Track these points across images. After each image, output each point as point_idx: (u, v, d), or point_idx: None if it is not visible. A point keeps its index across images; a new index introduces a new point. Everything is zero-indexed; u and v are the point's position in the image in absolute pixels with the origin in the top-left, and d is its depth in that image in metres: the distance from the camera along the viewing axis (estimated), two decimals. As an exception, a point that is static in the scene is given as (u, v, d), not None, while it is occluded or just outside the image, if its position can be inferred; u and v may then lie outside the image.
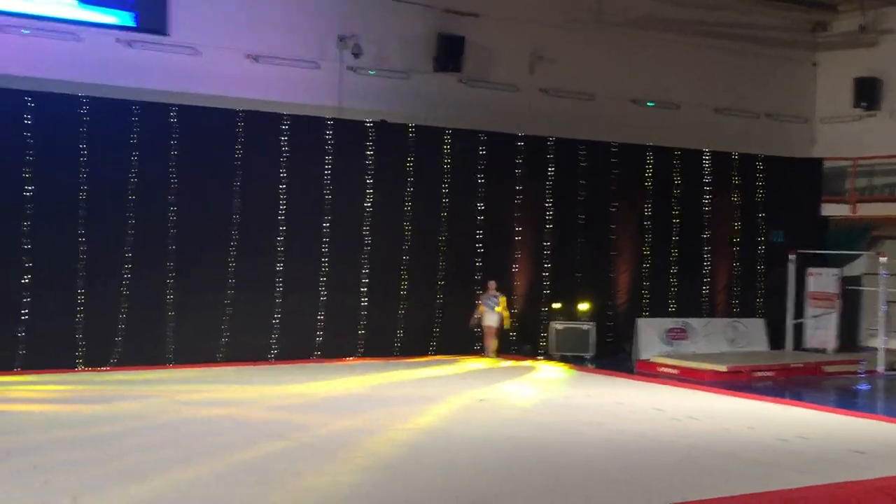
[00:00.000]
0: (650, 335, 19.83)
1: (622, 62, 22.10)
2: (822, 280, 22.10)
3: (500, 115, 20.63)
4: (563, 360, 19.71)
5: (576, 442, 11.61)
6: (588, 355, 20.21)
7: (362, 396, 14.71)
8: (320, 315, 18.69)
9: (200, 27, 18.12)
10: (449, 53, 19.98)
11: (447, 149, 19.96)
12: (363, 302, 19.12)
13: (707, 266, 22.41)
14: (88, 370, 16.51)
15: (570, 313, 20.72)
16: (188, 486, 9.10)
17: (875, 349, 19.72)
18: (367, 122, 19.20)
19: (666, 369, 18.34)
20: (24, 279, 16.30)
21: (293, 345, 18.38)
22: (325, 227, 18.78)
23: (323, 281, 18.73)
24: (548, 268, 20.95)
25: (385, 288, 19.24)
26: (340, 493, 8.89)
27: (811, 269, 22.22)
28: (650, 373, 18.31)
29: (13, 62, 16.56)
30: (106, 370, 16.57)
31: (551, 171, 20.96)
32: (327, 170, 18.83)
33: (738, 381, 17.27)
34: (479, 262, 20.24)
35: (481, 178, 20.30)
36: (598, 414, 13.63)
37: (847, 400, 16.13)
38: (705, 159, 22.40)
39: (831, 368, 19.07)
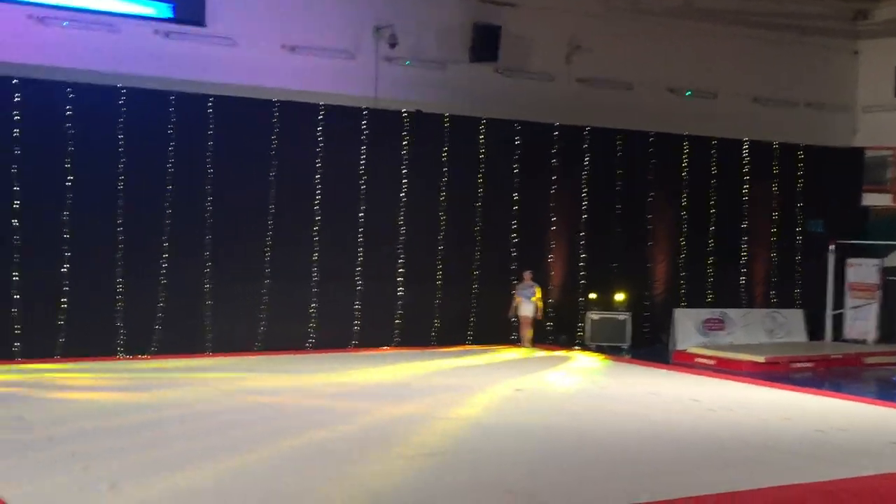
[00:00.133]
0: (687, 326, 19.73)
1: (659, 51, 21.90)
2: (863, 270, 21.84)
3: (536, 105, 20.53)
4: (600, 350, 19.65)
5: (612, 432, 11.58)
6: (624, 346, 20.13)
7: (402, 385, 14.75)
8: (356, 304, 18.77)
9: (237, 18, 18.18)
10: (485, 43, 19.87)
11: (482, 139, 19.93)
12: (399, 291, 19.16)
13: (745, 256, 22.23)
14: (128, 358, 16.69)
15: (606, 303, 20.64)
16: (232, 475, 9.08)
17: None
18: (402, 113, 19.22)
19: (703, 360, 18.23)
20: (64, 268, 16.50)
21: (329, 334, 18.47)
22: (361, 217, 18.84)
23: (359, 270, 18.80)
24: (584, 258, 20.88)
25: (421, 277, 19.27)
26: (388, 484, 8.81)
27: (851, 260, 21.96)
28: (687, 363, 18.21)
29: (54, 54, 16.72)
30: (145, 358, 16.75)
31: (587, 161, 20.87)
32: (362, 160, 18.88)
33: (776, 373, 17.13)
34: (514, 252, 20.22)
35: (517, 169, 20.26)
36: (634, 404, 13.59)
37: (887, 391, 15.95)
38: (744, 149, 22.20)
39: (871, 360, 18.89)
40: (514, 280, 19.86)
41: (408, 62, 19.56)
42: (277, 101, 18.09)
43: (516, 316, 19.64)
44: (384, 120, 19.00)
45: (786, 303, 22.02)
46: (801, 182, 22.61)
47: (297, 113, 18.23)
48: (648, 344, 20.68)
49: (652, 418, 12.48)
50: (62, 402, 12.60)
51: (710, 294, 21.64)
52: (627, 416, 12.64)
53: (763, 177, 22.33)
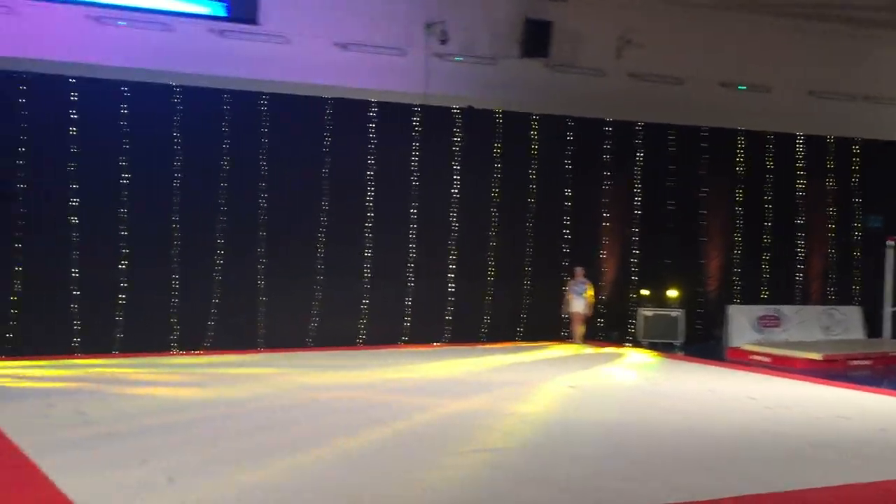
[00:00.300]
0: (741, 322, 19.49)
1: (712, 45, 21.67)
2: (922, 266, 21.42)
3: (588, 100, 20.43)
4: (652, 347, 19.51)
5: (668, 430, 11.47)
6: (677, 342, 19.96)
7: (456, 382, 14.72)
8: (408, 301, 18.81)
9: (290, 16, 18.31)
10: (536, 38, 19.81)
11: (534, 135, 19.89)
12: (450, 288, 19.18)
13: (801, 252, 21.95)
14: (182, 354, 16.89)
15: (659, 300, 20.48)
16: (298, 471, 9.01)
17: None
18: (453, 109, 19.22)
19: (758, 357, 18.01)
20: (122, 265, 16.73)
21: (380, 330, 18.54)
22: (413, 214, 18.88)
23: (410, 267, 18.85)
24: (636, 254, 20.75)
25: (472, 274, 19.28)
26: (453, 485, 8.69)
27: (910, 256, 21.57)
28: (741, 360, 18.01)
29: (110, 53, 16.97)
30: (199, 354, 16.94)
31: (640, 156, 20.74)
32: (414, 156, 18.92)
33: (833, 370, 16.87)
34: (566, 248, 20.14)
35: (568, 164, 20.18)
36: (689, 402, 13.47)
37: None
38: (799, 143, 21.90)
39: (931, 357, 18.51)
40: (565, 276, 19.79)
41: (459, 58, 19.56)
42: (329, 99, 18.19)
43: (568, 312, 19.58)
44: (435, 116, 19.04)
45: (843, 299, 21.70)
46: (857, 177, 22.27)
47: (348, 110, 18.32)
48: (702, 341, 20.50)
49: (708, 416, 12.36)
50: (122, 397, 12.75)
51: (765, 290, 21.40)
52: (683, 413, 12.52)
53: (819, 172, 22.01)
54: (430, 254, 19.00)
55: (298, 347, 17.73)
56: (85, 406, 11.87)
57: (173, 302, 17.08)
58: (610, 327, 20.40)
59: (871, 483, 9.20)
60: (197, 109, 17.25)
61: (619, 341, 19.99)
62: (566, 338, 19.78)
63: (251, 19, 17.97)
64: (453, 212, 19.22)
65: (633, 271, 20.71)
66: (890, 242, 21.18)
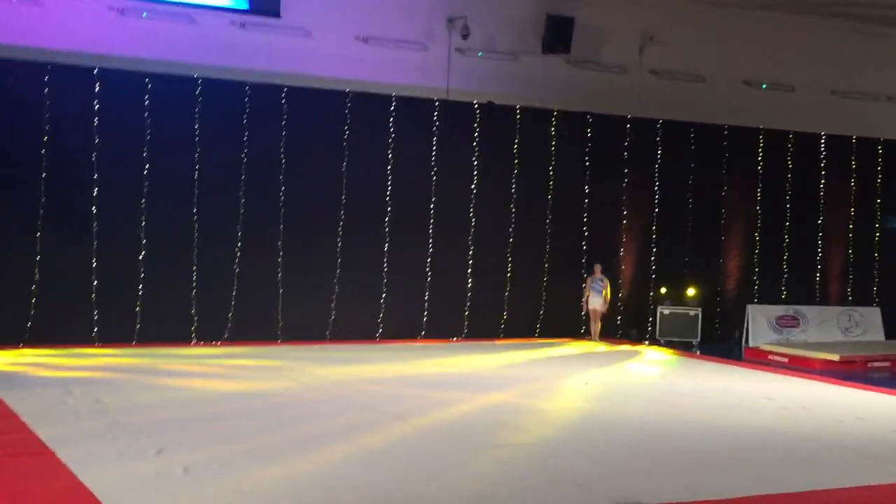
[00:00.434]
0: (760, 322, 19.42)
1: (734, 43, 21.57)
2: (943, 268, 21.31)
3: (609, 97, 20.39)
4: (670, 345, 19.46)
5: (684, 428, 11.43)
6: (695, 341, 19.91)
7: (474, 378, 14.71)
8: (426, 296, 18.84)
9: (311, 9, 18.34)
10: (557, 35, 19.77)
11: (554, 131, 19.85)
12: (469, 283, 19.19)
13: (821, 252, 21.85)
14: (201, 345, 16.98)
15: (677, 298, 20.43)
16: (316, 468, 8.91)
17: None
18: (474, 104, 19.22)
19: (776, 357, 17.95)
20: (141, 255, 16.82)
21: (399, 325, 18.57)
22: (432, 209, 18.89)
23: (429, 262, 18.87)
24: (655, 252, 20.70)
25: (490, 270, 19.28)
26: (473, 482, 8.64)
27: (931, 257, 21.47)
28: (760, 360, 17.95)
29: (133, 45, 17.05)
30: (217, 345, 17.02)
31: (660, 154, 20.68)
32: (434, 151, 18.93)
33: (851, 371, 16.80)
34: (585, 245, 20.12)
35: (588, 161, 20.14)
36: (707, 400, 13.44)
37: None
38: (821, 143, 21.79)
39: (951, 360, 18.38)
40: (584, 273, 19.76)
41: (480, 54, 19.54)
42: (350, 92, 18.22)
43: (587, 310, 19.58)
44: (456, 111, 19.03)
45: (863, 300, 21.60)
46: (881, 177, 22.13)
47: (369, 104, 18.35)
48: (720, 340, 20.45)
49: (725, 415, 12.31)
50: (140, 387, 12.82)
51: (785, 290, 21.31)
52: (699, 412, 12.49)
53: (841, 172, 21.90)
54: (448, 249, 19.01)
55: (317, 340, 17.78)
56: (104, 396, 11.94)
57: (192, 293, 17.16)
58: (628, 325, 20.36)
59: (889, 484, 9.15)
60: (218, 102, 17.31)
61: (637, 339, 19.95)
62: (584, 335, 19.76)
63: (273, 12, 18.02)
64: (472, 207, 19.22)
65: (652, 269, 20.67)
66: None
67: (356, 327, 18.21)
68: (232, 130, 17.41)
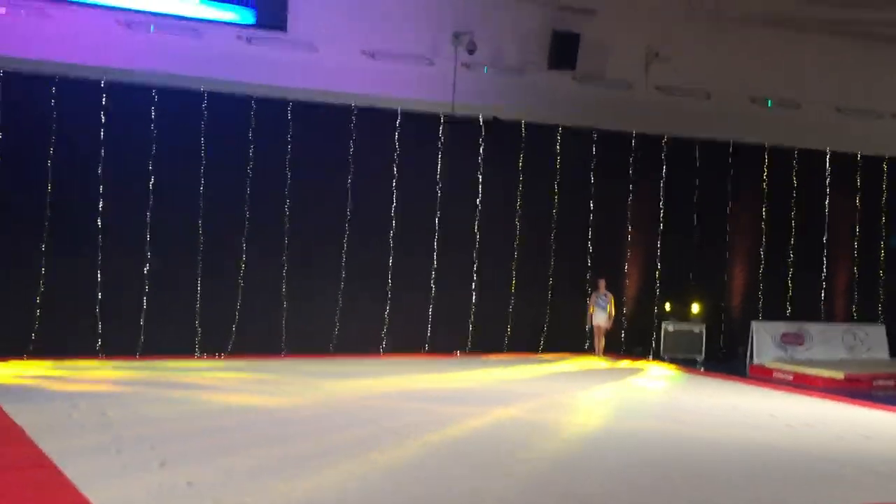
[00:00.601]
0: (765, 339, 19.37)
1: (740, 59, 21.54)
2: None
3: (614, 112, 20.38)
4: (674, 362, 19.42)
5: (688, 446, 11.41)
6: (699, 358, 19.87)
7: (481, 392, 14.72)
8: (430, 309, 18.84)
9: (318, 23, 18.36)
10: (563, 50, 19.76)
11: (559, 147, 19.87)
12: (473, 297, 19.18)
13: (826, 270, 21.82)
14: (204, 357, 16.97)
15: (682, 315, 20.41)
16: (332, 483, 8.81)
17: None
18: (479, 119, 19.25)
19: (781, 375, 17.92)
20: (146, 268, 16.83)
21: (403, 338, 18.57)
22: (436, 223, 18.90)
23: (433, 276, 18.87)
24: (660, 268, 20.68)
25: (495, 284, 19.28)
26: (488, 502, 8.58)
27: (936, 276, 21.43)
28: (764, 378, 17.91)
29: (140, 58, 17.08)
30: (222, 357, 17.01)
31: (665, 170, 20.69)
32: (439, 166, 18.95)
33: (856, 389, 16.75)
34: (589, 261, 20.11)
35: (593, 177, 20.16)
36: (711, 417, 13.41)
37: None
38: (827, 160, 21.79)
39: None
40: (588, 289, 19.76)
41: (486, 69, 19.56)
42: (356, 107, 18.26)
43: (591, 325, 19.58)
44: (461, 127, 19.06)
45: (868, 318, 21.57)
46: (886, 195, 22.12)
47: (375, 118, 18.39)
48: (724, 357, 20.41)
49: (729, 432, 12.28)
50: (145, 400, 12.81)
51: (789, 307, 21.28)
52: (704, 428, 12.46)
53: (846, 189, 21.90)
54: (453, 263, 19.01)
55: (320, 353, 17.77)
56: (109, 409, 11.92)
57: (197, 306, 17.16)
58: (632, 341, 20.34)
59: (892, 503, 9.15)
60: (224, 115, 17.36)
61: (641, 356, 19.91)
62: (588, 350, 19.74)
63: (279, 26, 18.02)
64: (477, 222, 19.24)
65: (657, 286, 20.65)
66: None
67: (360, 340, 18.21)
68: (237, 144, 17.45)
